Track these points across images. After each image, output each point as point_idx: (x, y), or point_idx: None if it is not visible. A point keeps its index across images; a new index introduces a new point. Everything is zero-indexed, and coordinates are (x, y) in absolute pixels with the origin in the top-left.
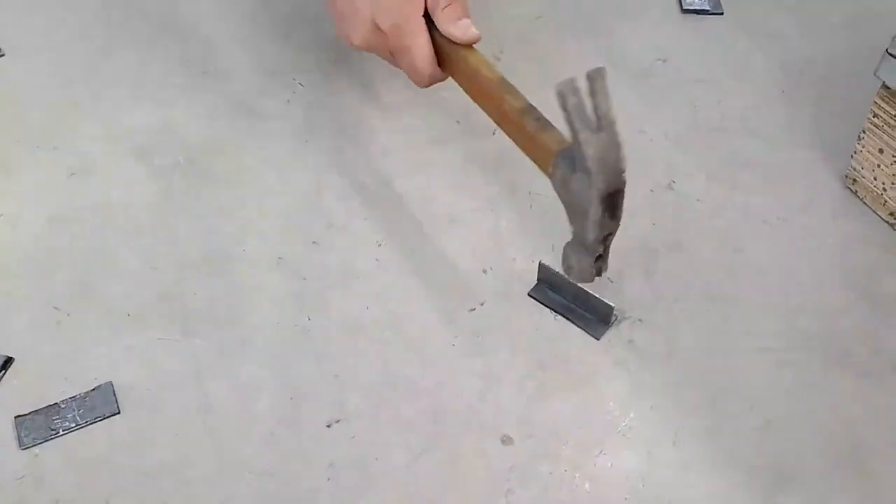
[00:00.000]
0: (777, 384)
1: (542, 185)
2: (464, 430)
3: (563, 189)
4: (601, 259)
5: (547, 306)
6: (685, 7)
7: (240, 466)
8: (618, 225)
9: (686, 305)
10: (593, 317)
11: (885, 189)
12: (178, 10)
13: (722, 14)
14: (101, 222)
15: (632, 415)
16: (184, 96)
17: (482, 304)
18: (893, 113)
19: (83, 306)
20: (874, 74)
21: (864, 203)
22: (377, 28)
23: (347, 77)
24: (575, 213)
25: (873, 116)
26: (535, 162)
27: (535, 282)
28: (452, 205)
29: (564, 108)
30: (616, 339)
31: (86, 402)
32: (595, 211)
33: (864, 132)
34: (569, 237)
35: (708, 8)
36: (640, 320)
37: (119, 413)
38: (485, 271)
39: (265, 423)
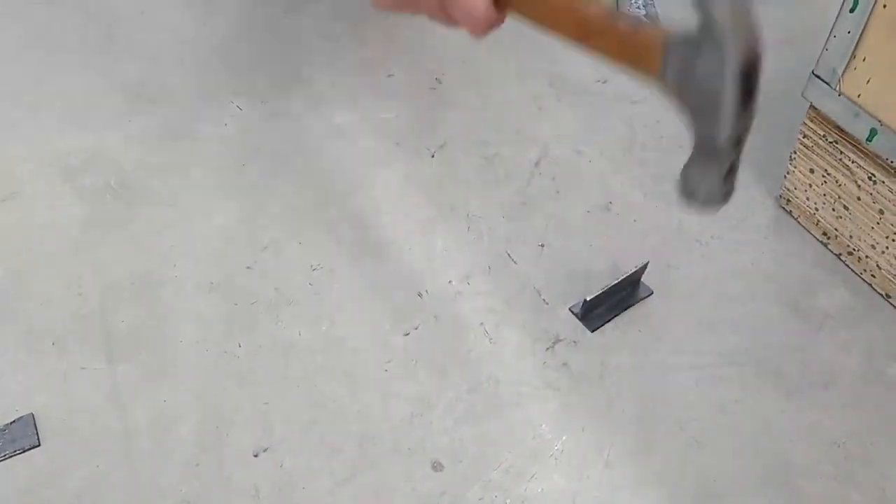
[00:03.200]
0: (707, 402)
1: (479, 208)
2: (393, 455)
3: (683, 80)
4: (732, 173)
5: (607, 321)
6: None
7: (160, 495)
8: (752, 122)
9: (619, 325)
10: (636, 290)
11: (817, 209)
12: (116, 33)
13: None
14: (23, 245)
15: (564, 437)
16: (118, 119)
17: (416, 328)
18: (822, 134)
19: (1, 333)
20: (802, 95)
21: (798, 222)
22: None
23: (286, 100)
24: (704, 109)
25: (803, 137)
26: (637, 68)
27: (582, 317)
28: (389, 227)
29: None
30: (550, 361)
31: (5, 434)
32: (732, 92)
33: (795, 153)
34: (501, 258)
35: None
36: (574, 342)
37: (39, 445)
38: (420, 294)
39: (188, 451)
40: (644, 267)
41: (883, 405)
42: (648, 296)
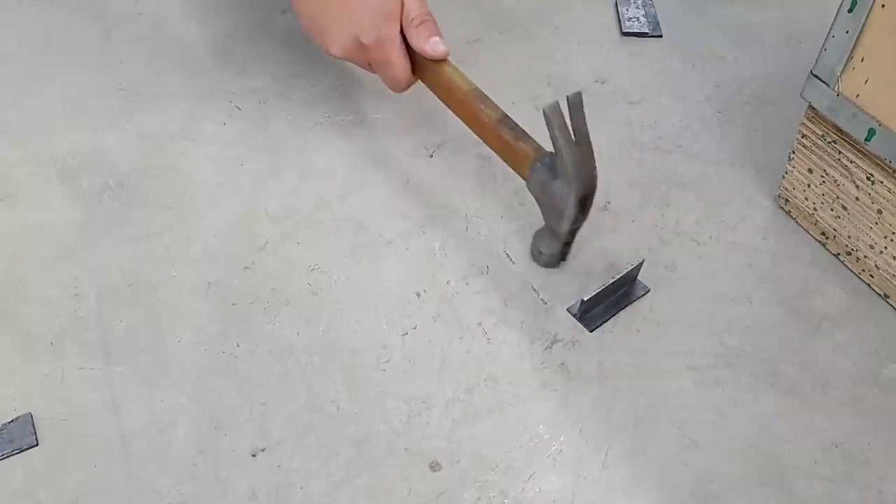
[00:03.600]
0: (705, 403)
1: (477, 208)
2: (390, 455)
3: (540, 191)
4: (567, 245)
5: (604, 321)
6: (625, 30)
7: (157, 496)
8: (584, 221)
9: (617, 326)
10: (633, 288)
11: (815, 209)
12: (114, 33)
13: (661, 37)
14: (21, 246)
15: (561, 438)
16: (117, 119)
17: (415, 328)
18: (821, 133)
19: (0, 334)
20: (800, 95)
21: (797, 222)
22: (359, 42)
23: (285, 100)
24: (551, 211)
25: (802, 137)
26: (511, 166)
27: (580, 317)
28: (387, 227)
29: (550, 125)
30: (548, 361)
31: (3, 434)
32: (571, 210)
33: (793, 152)
34: (499, 258)
35: (647, 31)
36: (572, 342)
37: (37, 445)
38: (418, 294)
39: (186, 453)
40: (640, 265)
41: (881, 406)
42: (645, 293)
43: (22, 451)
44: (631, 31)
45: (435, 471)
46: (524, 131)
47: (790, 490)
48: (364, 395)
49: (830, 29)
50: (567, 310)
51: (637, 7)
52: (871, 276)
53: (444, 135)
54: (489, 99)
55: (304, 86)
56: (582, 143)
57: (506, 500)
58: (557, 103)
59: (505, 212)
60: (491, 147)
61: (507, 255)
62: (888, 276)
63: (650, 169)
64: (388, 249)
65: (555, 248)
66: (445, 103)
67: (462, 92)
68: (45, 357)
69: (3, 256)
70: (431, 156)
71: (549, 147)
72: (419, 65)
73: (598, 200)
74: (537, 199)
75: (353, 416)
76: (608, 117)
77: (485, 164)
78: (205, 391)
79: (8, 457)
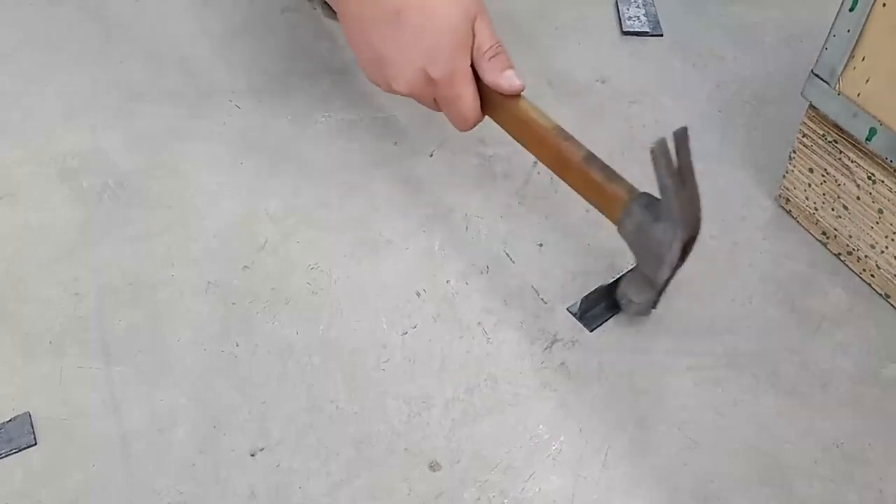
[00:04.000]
0: (705, 403)
1: (477, 207)
2: (390, 455)
3: (639, 235)
4: (659, 296)
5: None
6: (625, 29)
7: (156, 496)
8: (683, 263)
9: (618, 326)
10: (640, 295)
11: (816, 208)
12: (114, 32)
13: (661, 36)
14: (21, 246)
15: (561, 438)
16: (116, 118)
17: (414, 328)
18: (821, 133)
19: None
20: (801, 95)
21: (797, 221)
22: (427, 76)
23: (285, 99)
24: (649, 256)
25: (802, 136)
26: (598, 208)
27: (580, 316)
28: (387, 227)
29: (657, 164)
30: (548, 361)
31: (1, 433)
32: (674, 256)
33: (794, 152)
34: (498, 258)
35: (648, 30)
36: (572, 342)
37: (35, 444)
38: (418, 294)
39: (185, 452)
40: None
41: (881, 406)
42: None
43: (20, 450)
44: (631, 30)
45: (435, 471)
46: (613, 171)
47: (790, 490)
48: (364, 394)
49: (831, 28)
50: (567, 309)
51: (637, 6)
52: (871, 275)
53: (444, 134)
54: (572, 137)
55: (303, 85)
56: (689, 183)
57: (505, 500)
58: (665, 140)
59: (505, 211)
60: (575, 188)
61: (507, 255)
62: (889, 276)
63: (651, 168)
64: (387, 249)
65: (648, 296)
66: (520, 141)
67: (543, 129)
68: (45, 356)
69: (3, 256)
70: (431, 155)
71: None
72: (489, 100)
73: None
74: (631, 244)
75: (353, 415)
76: (608, 117)
77: (485, 163)
78: (204, 391)
79: (6, 456)
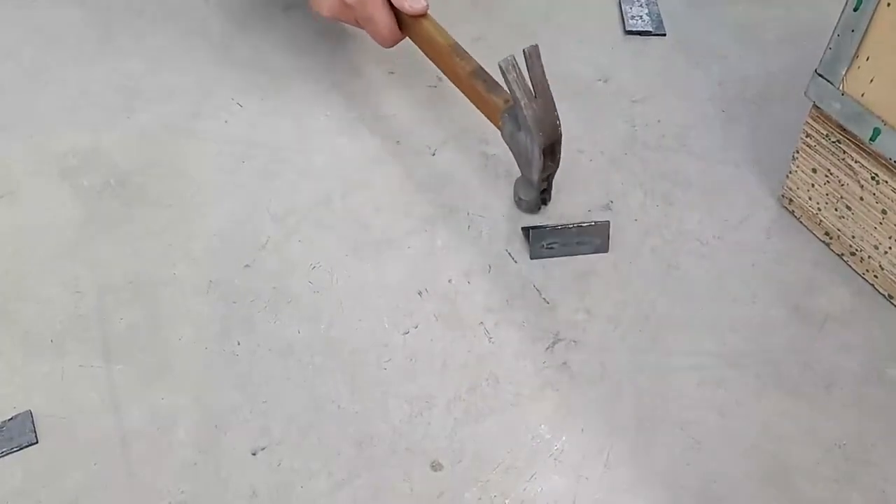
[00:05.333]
0: (708, 403)
1: (479, 206)
2: (391, 455)
3: (510, 140)
4: (545, 192)
5: (551, 256)
6: (628, 29)
7: (157, 495)
8: (557, 166)
9: (620, 325)
10: (592, 240)
11: (819, 209)
12: (113, 30)
13: (664, 35)
14: (21, 244)
15: (563, 438)
16: (118, 117)
17: (416, 327)
18: (825, 133)
19: (0, 332)
20: (804, 94)
21: (800, 222)
22: (344, 2)
23: (287, 97)
24: (521, 159)
25: (806, 136)
26: (486, 117)
27: (529, 246)
28: (389, 226)
29: (506, 80)
30: (550, 361)
31: (2, 431)
32: (537, 159)
33: (797, 152)
34: (501, 257)
35: (651, 29)
36: (574, 342)
37: (37, 443)
38: (420, 293)
39: (186, 451)
40: (606, 224)
41: (885, 407)
42: (601, 251)
43: (21, 448)
44: (634, 29)
45: (436, 470)
46: (497, 83)
47: (794, 491)
48: (365, 394)
49: (835, 28)
50: (521, 228)
51: (640, 5)
52: (875, 276)
53: (447, 132)
54: (466, 53)
55: (306, 83)
56: (542, 94)
57: (507, 501)
58: (513, 57)
59: (507, 210)
60: (469, 98)
61: (510, 254)
62: (893, 277)
63: (653, 168)
64: (389, 248)
65: (532, 195)
66: (429, 57)
67: (440, 46)
68: (46, 355)
69: (4, 255)
70: (434, 154)
71: None
72: (404, 22)
73: (601, 199)
74: (510, 149)
75: (354, 415)
76: (611, 116)
77: (488, 162)
78: (205, 390)
79: (7, 454)
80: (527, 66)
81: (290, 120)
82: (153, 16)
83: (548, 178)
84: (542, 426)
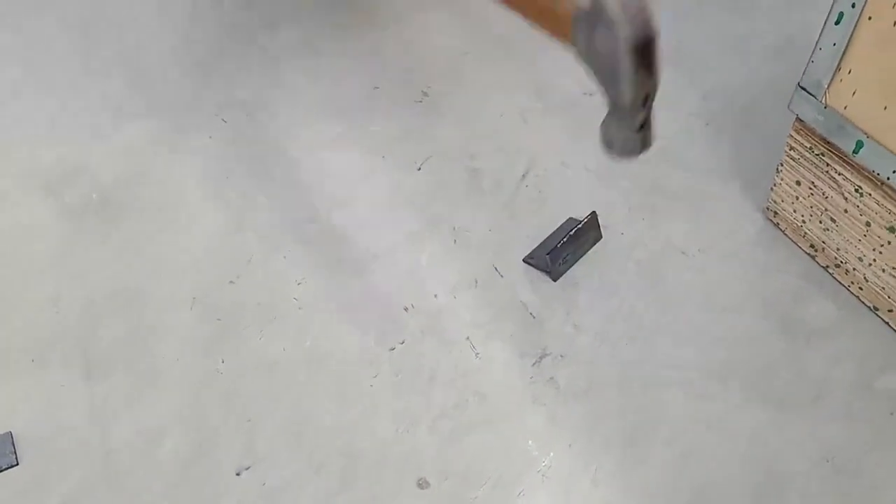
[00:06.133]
0: (696, 416)
1: (465, 221)
2: (378, 472)
3: (588, 54)
4: (645, 128)
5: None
6: None
7: None
8: (657, 82)
9: (607, 339)
10: (590, 235)
11: (804, 221)
12: (100, 47)
13: None
14: (3, 260)
15: (551, 453)
16: (102, 133)
17: (402, 343)
18: (808, 146)
19: None
20: (788, 108)
21: (786, 234)
22: None
23: (271, 113)
24: (606, 76)
25: (790, 149)
26: (555, 36)
27: (550, 271)
28: (375, 241)
29: None
30: (537, 376)
31: None
32: (626, 66)
33: (781, 165)
34: (487, 271)
35: None
36: (561, 356)
37: (17, 464)
38: (406, 309)
39: (170, 470)
40: (592, 215)
41: (872, 418)
42: (597, 241)
43: (1, 471)
44: None
45: (423, 488)
46: None
47: (784, 502)
48: (351, 411)
49: (818, 41)
50: (523, 260)
51: None
52: (860, 288)
53: (432, 147)
54: None
55: (290, 99)
56: None
57: None
58: None
59: (493, 224)
60: (528, 18)
61: (496, 269)
62: (877, 289)
63: (640, 181)
64: (375, 263)
65: (627, 132)
66: None
67: None
68: (28, 373)
69: None
70: (419, 168)
71: None
72: None
73: (586, 212)
74: (591, 69)
75: (340, 432)
76: (597, 129)
77: (473, 176)
78: (189, 408)
79: None
80: None
81: (275, 135)
82: (137, 32)
83: (646, 102)
84: (530, 442)
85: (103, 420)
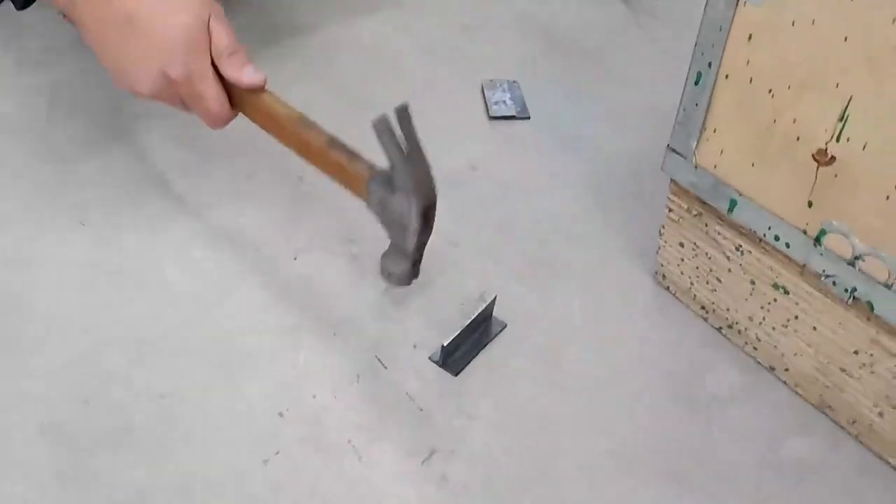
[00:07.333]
0: None
1: (346, 310)
2: None
3: (381, 209)
4: (416, 264)
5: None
6: (492, 114)
7: None
8: (430, 234)
9: (504, 430)
10: (491, 328)
11: (692, 283)
12: None
13: (529, 118)
14: None
15: None
16: None
17: (277, 454)
18: (686, 206)
19: None
20: (661, 169)
21: (676, 297)
22: (168, 78)
23: (136, 210)
24: (395, 227)
25: (669, 211)
26: (347, 188)
27: (442, 362)
28: (247, 341)
29: (381, 141)
30: (428, 476)
31: None
32: (415, 224)
33: (664, 227)
34: (370, 365)
35: (514, 113)
36: (452, 452)
37: None
38: (281, 414)
39: None
40: (493, 301)
41: (785, 488)
42: (503, 329)
43: None
44: (498, 114)
45: None
46: (356, 152)
47: None
48: None
49: (681, 102)
50: (429, 358)
51: (503, 90)
52: (754, 348)
53: (309, 234)
54: (316, 123)
55: (155, 195)
56: (415, 154)
57: None
58: (386, 116)
59: (375, 312)
60: (324, 171)
61: (379, 360)
62: (770, 347)
63: (529, 256)
64: (247, 366)
65: (404, 266)
66: (271, 133)
67: (286, 119)
68: None
69: None
70: (295, 258)
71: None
72: (238, 98)
73: (474, 291)
74: (379, 219)
75: None
76: (482, 205)
77: (353, 263)
78: None
79: None
80: (399, 125)
81: (139, 235)
82: None
83: (421, 248)
84: None
85: None
